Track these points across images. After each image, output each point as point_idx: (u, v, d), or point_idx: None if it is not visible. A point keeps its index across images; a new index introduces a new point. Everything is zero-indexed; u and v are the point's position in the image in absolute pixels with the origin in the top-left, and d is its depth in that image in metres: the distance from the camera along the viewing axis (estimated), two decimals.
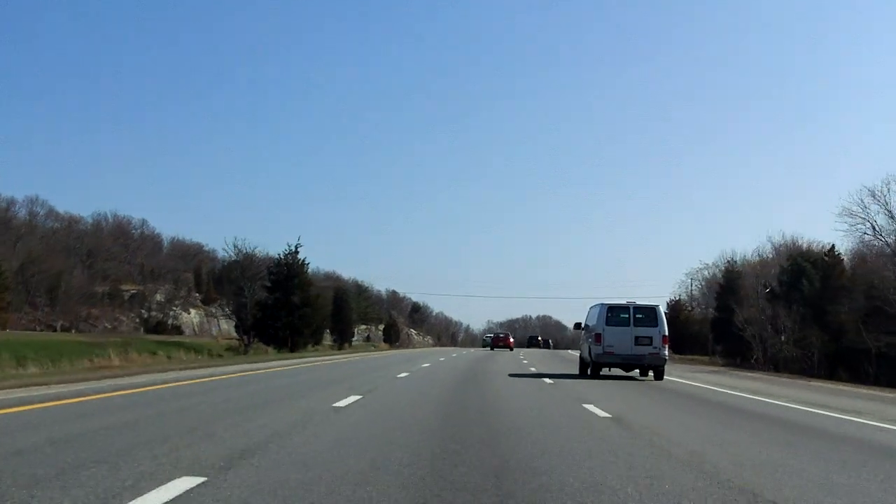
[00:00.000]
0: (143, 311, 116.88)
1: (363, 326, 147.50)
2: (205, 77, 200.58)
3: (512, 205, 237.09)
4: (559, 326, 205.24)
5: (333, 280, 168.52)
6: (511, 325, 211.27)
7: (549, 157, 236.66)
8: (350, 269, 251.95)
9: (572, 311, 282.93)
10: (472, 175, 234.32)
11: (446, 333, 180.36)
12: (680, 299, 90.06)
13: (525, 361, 44.62)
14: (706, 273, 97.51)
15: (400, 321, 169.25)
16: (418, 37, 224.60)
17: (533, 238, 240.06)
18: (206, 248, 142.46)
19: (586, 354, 28.65)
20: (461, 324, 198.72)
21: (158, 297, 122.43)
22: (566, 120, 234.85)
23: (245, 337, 69.50)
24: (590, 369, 28.07)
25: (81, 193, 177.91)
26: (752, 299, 70.97)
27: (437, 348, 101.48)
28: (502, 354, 64.47)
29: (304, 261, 66.67)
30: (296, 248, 66.34)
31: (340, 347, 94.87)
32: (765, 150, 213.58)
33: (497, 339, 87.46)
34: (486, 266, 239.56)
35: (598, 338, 26.65)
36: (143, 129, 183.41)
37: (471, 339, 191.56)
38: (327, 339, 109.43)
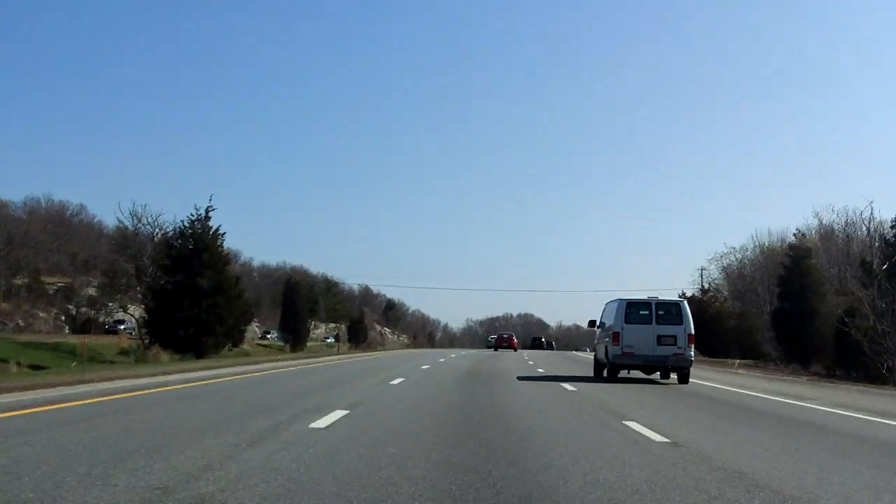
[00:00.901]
0: (70, 306, 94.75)
1: (332, 325, 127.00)
2: (195, 71, 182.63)
3: (498, 202, 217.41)
4: (541, 325, 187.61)
5: (301, 274, 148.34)
6: (492, 323, 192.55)
7: (539, 153, 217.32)
8: (322, 265, 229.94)
9: (555, 310, 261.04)
10: (458, 173, 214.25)
11: (423, 332, 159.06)
12: (709, 289, 69.27)
13: (575, 391, 23.78)
14: (732, 258, 77.01)
15: (373, 319, 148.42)
16: (405, 36, 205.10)
17: (518, 235, 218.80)
18: (158, 239, 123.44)
19: (602, 355, 24.60)
20: (439, 322, 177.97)
21: (91, 291, 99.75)
22: (557, 116, 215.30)
23: (147, 337, 48.75)
24: (606, 371, 24.00)
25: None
26: (821, 287, 50.28)
27: (410, 351, 79.87)
28: (507, 357, 44.23)
29: (217, 230, 45.16)
30: (206, 211, 44.89)
31: (292, 349, 73.50)
32: (781, 130, 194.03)
33: (501, 340, 79.08)
34: (466, 263, 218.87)
35: (615, 337, 22.82)
36: (136, 126, 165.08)
37: (449, 339, 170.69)
38: (273, 336, 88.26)
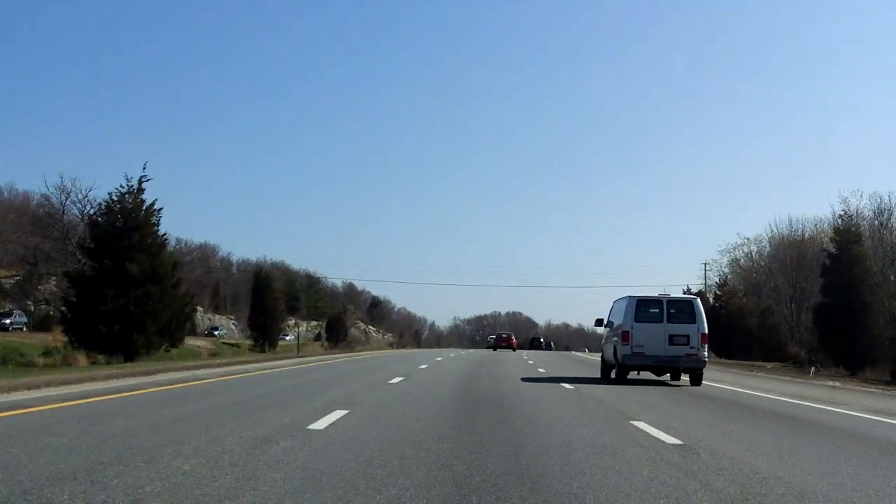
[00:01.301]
0: (28, 302, 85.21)
1: (314, 323, 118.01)
2: (189, 67, 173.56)
3: (488, 199, 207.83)
4: (530, 323, 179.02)
5: (282, 270, 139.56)
6: (479, 321, 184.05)
7: (533, 150, 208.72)
8: (306, 261, 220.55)
9: (544, 308, 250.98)
10: (447, 171, 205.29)
11: (409, 331, 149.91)
12: (725, 283, 60.32)
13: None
14: (745, 250, 68.39)
15: (357, 317, 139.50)
16: (402, 35, 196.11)
17: (509, 232, 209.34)
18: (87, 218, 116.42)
19: (610, 355, 22.63)
20: (425, 320, 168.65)
21: (52, 285, 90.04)
22: (550, 110, 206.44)
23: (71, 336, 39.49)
24: (615, 373, 22.06)
25: None
26: (873, 278, 41.65)
27: (392, 351, 70.69)
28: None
29: (152, 206, 35.99)
30: (139, 182, 35.73)
31: (262, 349, 64.50)
32: (780, 125, 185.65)
33: (500, 340, 76.35)
34: (455, 260, 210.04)
35: (625, 336, 20.89)
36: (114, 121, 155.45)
37: (436, 338, 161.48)
38: (241, 337, 79.47)
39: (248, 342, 70.11)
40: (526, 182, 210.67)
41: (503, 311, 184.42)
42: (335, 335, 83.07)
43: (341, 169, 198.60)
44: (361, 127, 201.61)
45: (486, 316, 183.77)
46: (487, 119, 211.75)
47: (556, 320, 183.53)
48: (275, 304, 67.47)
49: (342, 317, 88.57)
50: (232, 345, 68.57)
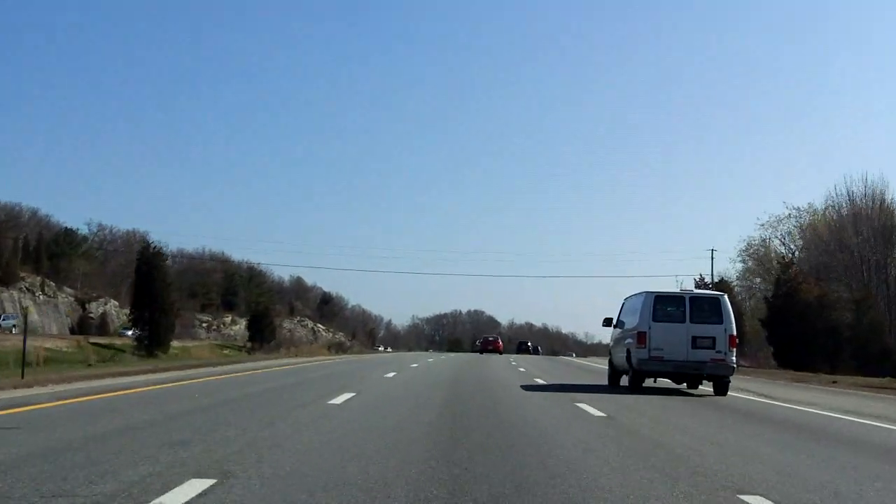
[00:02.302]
0: None
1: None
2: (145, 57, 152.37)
3: (456, 185, 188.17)
4: (492, 322, 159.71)
5: (221, 262, 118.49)
6: (439, 320, 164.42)
7: (509, 136, 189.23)
8: (250, 253, 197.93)
9: (505, 307, 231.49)
10: (420, 160, 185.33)
11: (363, 330, 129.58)
12: (792, 262, 41.14)
13: None
14: (794, 222, 49.57)
15: (305, 314, 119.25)
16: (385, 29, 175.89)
17: (472, 222, 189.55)
18: (42, 214, 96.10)
19: (621, 360, 18.90)
20: (382, 319, 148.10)
21: None
22: (533, 95, 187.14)
23: None
24: (628, 380, 18.30)
25: None
26: None
27: (321, 361, 50.47)
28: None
29: None
30: None
31: (148, 352, 44.24)
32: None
33: (486, 343, 75.28)
34: (413, 252, 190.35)
35: (641, 338, 17.57)
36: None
37: (393, 337, 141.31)
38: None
39: (131, 343, 49.47)
40: (487, 161, 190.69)
41: (464, 310, 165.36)
42: (260, 336, 62.52)
43: (293, 156, 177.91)
44: (316, 113, 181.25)
45: (446, 315, 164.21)
46: (463, 107, 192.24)
47: (520, 319, 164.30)
48: (165, 290, 46.96)
49: (269, 313, 67.69)
50: (105, 346, 47.96)
